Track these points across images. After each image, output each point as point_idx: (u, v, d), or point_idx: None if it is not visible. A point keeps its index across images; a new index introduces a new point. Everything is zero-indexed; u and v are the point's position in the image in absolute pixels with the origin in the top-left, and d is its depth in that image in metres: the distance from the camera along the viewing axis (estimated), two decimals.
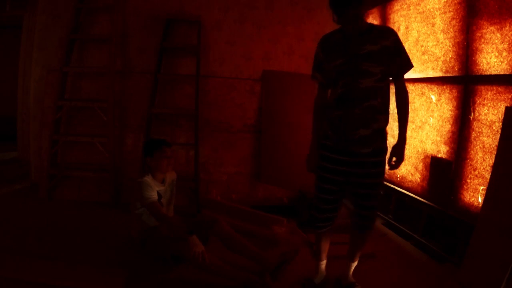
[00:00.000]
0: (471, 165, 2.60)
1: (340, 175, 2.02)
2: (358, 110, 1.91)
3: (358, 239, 2.19)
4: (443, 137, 2.88)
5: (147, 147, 2.57)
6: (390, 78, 2.01)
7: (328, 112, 2.04)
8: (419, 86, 3.17)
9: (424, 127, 3.10)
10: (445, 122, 2.85)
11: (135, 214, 2.50)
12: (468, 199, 2.61)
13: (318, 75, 2.08)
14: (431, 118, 3.02)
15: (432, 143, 2.99)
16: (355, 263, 2.27)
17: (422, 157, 3.12)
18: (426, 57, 3.09)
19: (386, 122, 2.00)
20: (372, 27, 1.94)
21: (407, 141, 3.26)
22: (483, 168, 2.49)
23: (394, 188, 3.43)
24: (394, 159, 2.03)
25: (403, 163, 3.35)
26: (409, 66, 1.96)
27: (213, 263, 2.19)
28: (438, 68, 2.95)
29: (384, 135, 2.02)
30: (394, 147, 2.03)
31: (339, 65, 1.94)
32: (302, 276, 2.35)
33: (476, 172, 2.55)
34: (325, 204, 2.09)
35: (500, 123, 2.31)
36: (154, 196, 2.39)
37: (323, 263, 2.30)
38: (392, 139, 3.54)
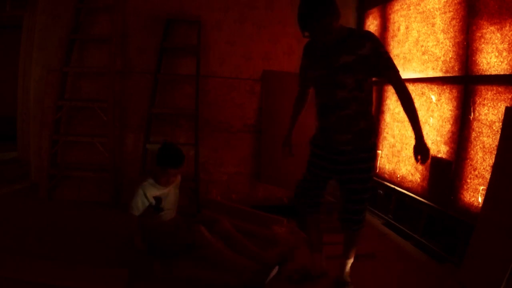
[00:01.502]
0: (471, 165, 2.60)
1: (324, 171, 2.13)
2: (334, 118, 2.00)
3: (350, 236, 2.20)
4: (443, 137, 2.88)
5: (159, 157, 2.45)
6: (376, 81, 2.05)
7: (316, 117, 2.15)
8: (419, 86, 3.17)
9: (424, 127, 3.09)
10: (445, 122, 2.85)
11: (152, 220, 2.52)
12: (468, 199, 2.61)
13: (301, 81, 2.26)
14: (431, 118, 3.02)
15: (432, 143, 2.99)
16: (351, 260, 2.25)
17: None
18: (426, 57, 3.09)
19: (367, 125, 2.02)
20: (350, 35, 1.92)
21: (406, 140, 3.31)
22: (483, 168, 2.49)
23: (394, 188, 3.43)
24: (419, 157, 1.97)
25: (402, 163, 3.39)
26: (390, 68, 1.90)
27: (220, 250, 2.24)
28: (438, 68, 2.95)
29: (368, 134, 2.03)
30: (414, 148, 1.98)
31: (318, 77, 2.04)
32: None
33: (476, 172, 2.55)
34: (306, 190, 2.21)
35: (500, 123, 2.31)
36: (139, 209, 2.41)
37: (318, 256, 2.30)
38: (392, 139, 3.55)
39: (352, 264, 2.28)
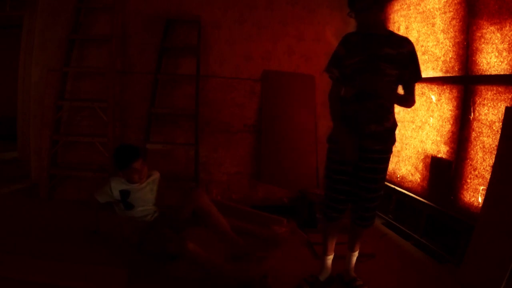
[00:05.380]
0: (471, 165, 2.60)
1: (347, 166, 2.08)
2: (373, 105, 2.00)
3: (357, 231, 2.26)
4: (443, 137, 2.88)
5: (117, 162, 2.49)
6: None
7: (344, 108, 2.09)
8: (419, 86, 3.16)
9: (424, 127, 3.10)
10: (445, 122, 2.85)
11: (123, 216, 2.52)
12: (468, 199, 2.61)
13: (335, 71, 2.09)
14: (431, 118, 3.02)
15: (432, 143, 2.99)
16: (355, 254, 2.31)
17: (422, 157, 3.12)
18: (426, 57, 3.09)
19: (394, 124, 2.13)
20: (392, 34, 2.03)
21: (406, 141, 3.31)
22: (483, 168, 2.49)
23: (394, 188, 3.43)
24: None
25: (402, 163, 3.39)
26: (418, 76, 2.04)
27: (209, 260, 2.20)
28: (438, 68, 2.95)
29: (393, 134, 2.12)
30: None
31: (357, 63, 2.01)
32: (301, 275, 2.34)
33: (476, 172, 2.55)
34: (338, 194, 2.14)
35: (500, 123, 2.31)
36: (103, 196, 2.50)
37: (329, 258, 2.29)
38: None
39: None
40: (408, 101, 2.09)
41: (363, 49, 2.00)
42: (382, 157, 2.08)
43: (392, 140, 2.12)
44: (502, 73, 2.37)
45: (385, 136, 2.05)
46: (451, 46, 2.81)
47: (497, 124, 2.38)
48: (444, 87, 2.88)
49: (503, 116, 2.28)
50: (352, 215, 2.24)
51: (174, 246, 2.24)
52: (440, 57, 2.93)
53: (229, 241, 2.38)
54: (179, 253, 2.23)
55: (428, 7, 3.08)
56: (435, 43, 2.98)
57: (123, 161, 2.46)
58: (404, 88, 2.09)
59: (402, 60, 1.97)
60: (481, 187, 2.48)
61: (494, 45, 2.43)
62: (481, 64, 2.54)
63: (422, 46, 3.15)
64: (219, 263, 2.24)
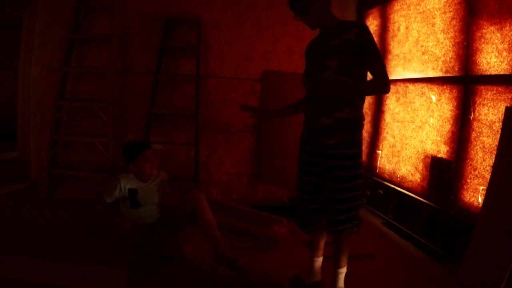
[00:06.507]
0: (471, 165, 2.60)
1: (314, 166, 2.03)
2: (319, 101, 1.96)
3: (338, 241, 2.05)
4: (443, 137, 2.88)
5: (127, 153, 2.48)
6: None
7: (305, 109, 2.13)
8: (419, 86, 3.17)
9: (424, 127, 3.10)
10: (445, 122, 2.85)
11: (126, 214, 2.53)
12: (468, 199, 2.61)
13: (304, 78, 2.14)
14: (431, 118, 3.02)
15: (432, 143, 2.99)
16: (342, 271, 2.06)
17: (422, 157, 3.12)
18: (426, 57, 3.09)
19: (353, 113, 1.93)
20: (340, 24, 1.94)
21: (406, 141, 3.31)
22: (483, 168, 2.49)
23: (394, 188, 3.43)
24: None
25: (402, 163, 3.39)
26: (375, 56, 1.85)
27: (206, 261, 2.22)
28: (438, 68, 2.95)
29: (352, 127, 1.95)
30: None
31: (308, 64, 2.06)
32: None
33: (476, 172, 2.55)
34: (306, 195, 2.10)
35: (500, 123, 2.31)
36: (109, 199, 2.49)
37: (317, 260, 2.21)
38: (392, 139, 3.55)
39: (352, 264, 2.24)
40: (375, 85, 1.92)
41: (313, 51, 2.03)
42: (341, 152, 1.91)
43: (348, 134, 1.93)
44: (502, 73, 2.37)
45: (337, 128, 1.91)
46: (451, 46, 2.81)
47: (497, 124, 2.38)
48: (444, 87, 2.88)
49: (503, 116, 2.28)
50: (326, 220, 2.06)
51: (172, 248, 2.25)
52: (440, 57, 2.93)
53: (213, 247, 2.36)
54: (177, 256, 2.25)
55: (428, 7, 3.08)
56: (435, 43, 2.98)
57: (135, 149, 2.46)
58: (371, 74, 1.92)
59: (350, 46, 1.84)
60: (481, 187, 2.48)
61: (494, 45, 2.43)
62: (481, 64, 2.54)
63: (422, 46, 3.15)
64: (214, 263, 2.27)
